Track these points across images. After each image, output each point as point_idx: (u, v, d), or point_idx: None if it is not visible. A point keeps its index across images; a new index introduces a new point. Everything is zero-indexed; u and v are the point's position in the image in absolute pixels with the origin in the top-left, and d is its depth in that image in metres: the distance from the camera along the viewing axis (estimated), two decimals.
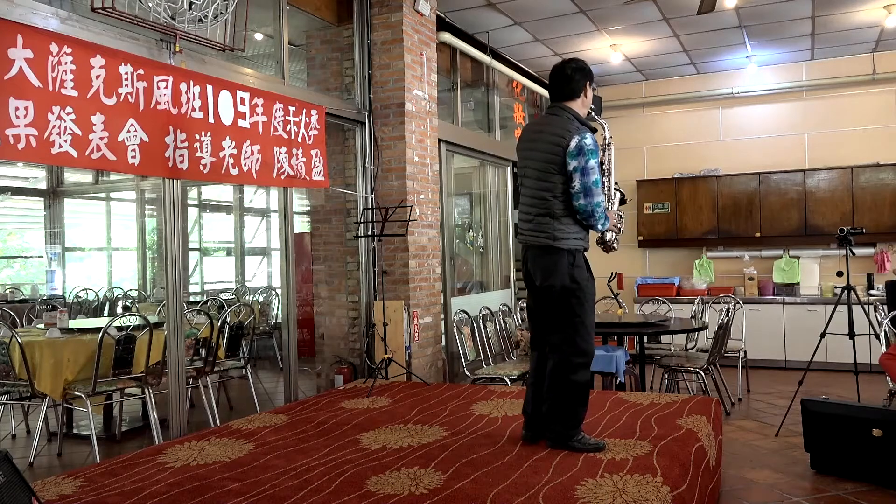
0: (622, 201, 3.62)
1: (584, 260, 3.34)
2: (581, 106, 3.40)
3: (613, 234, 3.53)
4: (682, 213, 8.66)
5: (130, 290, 8.91)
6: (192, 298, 8.30)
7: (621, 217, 3.54)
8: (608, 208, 3.47)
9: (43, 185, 9.99)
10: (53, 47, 3.36)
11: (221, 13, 4.24)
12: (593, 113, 3.69)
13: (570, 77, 3.36)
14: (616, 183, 3.61)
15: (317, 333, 6.31)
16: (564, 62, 3.42)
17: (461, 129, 7.15)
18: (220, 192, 10.52)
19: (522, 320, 6.83)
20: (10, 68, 3.18)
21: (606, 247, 3.55)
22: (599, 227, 3.28)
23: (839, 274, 7.92)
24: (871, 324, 5.51)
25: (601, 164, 3.49)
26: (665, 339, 7.00)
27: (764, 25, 7.15)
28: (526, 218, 3.39)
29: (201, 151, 4.19)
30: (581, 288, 3.28)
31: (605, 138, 3.54)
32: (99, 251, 10.47)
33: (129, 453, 3.50)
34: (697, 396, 4.36)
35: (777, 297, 8.05)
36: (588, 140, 3.20)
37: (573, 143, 3.18)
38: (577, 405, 3.30)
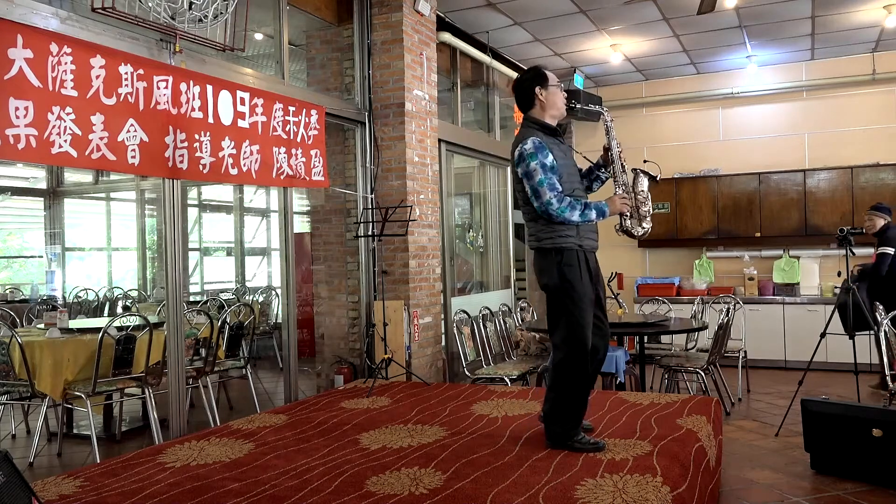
0: (652, 180, 3.49)
1: (578, 258, 3.27)
2: (541, 110, 3.39)
3: (626, 217, 3.43)
4: (682, 213, 8.66)
5: (130, 290, 8.91)
6: (192, 298, 8.30)
7: (638, 199, 3.44)
8: (615, 192, 3.43)
9: (43, 185, 9.99)
10: (53, 47, 3.36)
11: (221, 13, 4.24)
12: (578, 105, 3.69)
13: (518, 88, 3.45)
14: (645, 161, 3.57)
15: (317, 333, 6.31)
16: (519, 75, 3.50)
17: (461, 129, 7.15)
18: (220, 192, 10.52)
19: (522, 320, 6.84)
20: (10, 68, 3.18)
21: (627, 233, 3.48)
22: (576, 218, 3.20)
23: (839, 274, 7.95)
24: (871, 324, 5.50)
25: (610, 149, 3.46)
26: (665, 339, 7.00)
27: (764, 25, 7.15)
28: (526, 226, 3.49)
29: (201, 151, 4.19)
30: (573, 287, 3.25)
31: (605, 121, 3.53)
32: (99, 251, 10.47)
33: (129, 453, 3.50)
34: (697, 396, 4.36)
35: (777, 297, 8.05)
36: (527, 145, 3.25)
37: (516, 153, 3.30)
38: (574, 404, 3.30)
